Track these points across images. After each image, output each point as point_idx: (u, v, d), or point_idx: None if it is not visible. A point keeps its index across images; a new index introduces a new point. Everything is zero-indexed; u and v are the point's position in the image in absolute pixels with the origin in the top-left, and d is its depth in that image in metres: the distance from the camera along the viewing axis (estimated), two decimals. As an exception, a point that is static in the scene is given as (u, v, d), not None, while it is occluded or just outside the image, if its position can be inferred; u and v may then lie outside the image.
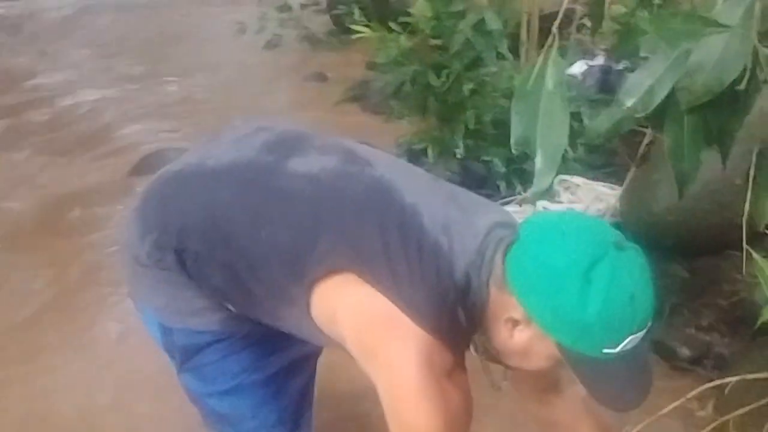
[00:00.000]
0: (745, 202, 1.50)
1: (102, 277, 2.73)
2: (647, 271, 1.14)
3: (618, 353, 1.12)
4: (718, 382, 1.48)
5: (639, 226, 2.25)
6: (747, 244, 2.09)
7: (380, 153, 1.43)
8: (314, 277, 1.23)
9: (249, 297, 1.34)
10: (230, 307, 1.38)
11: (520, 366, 1.27)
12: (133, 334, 2.32)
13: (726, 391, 1.53)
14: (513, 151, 1.16)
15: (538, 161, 1.13)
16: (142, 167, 3.43)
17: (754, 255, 1.31)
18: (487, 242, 1.20)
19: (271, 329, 1.39)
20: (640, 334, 1.13)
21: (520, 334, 1.18)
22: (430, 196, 1.28)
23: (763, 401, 1.43)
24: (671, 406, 1.44)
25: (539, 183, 1.14)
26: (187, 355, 1.42)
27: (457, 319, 1.20)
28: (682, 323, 2.17)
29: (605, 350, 1.11)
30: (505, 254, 1.18)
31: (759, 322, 1.49)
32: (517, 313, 1.16)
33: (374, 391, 1.22)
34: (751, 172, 1.31)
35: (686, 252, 2.23)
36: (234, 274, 1.32)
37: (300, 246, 1.25)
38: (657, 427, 1.74)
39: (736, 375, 1.77)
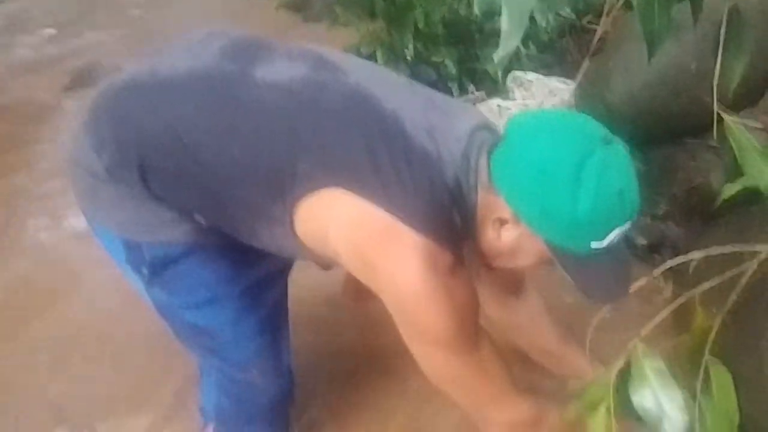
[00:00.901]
0: (707, 77, 1.47)
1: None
2: (632, 164, 1.14)
3: (605, 247, 1.12)
4: (681, 259, 1.47)
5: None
6: (700, 130, 2.09)
7: (350, 57, 1.35)
8: (297, 196, 1.17)
9: (225, 216, 1.27)
10: (202, 220, 1.30)
11: (506, 265, 1.27)
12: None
13: (690, 270, 1.53)
14: (476, 11, 1.08)
15: (504, 22, 1.06)
16: (77, 81, 3.30)
17: (726, 118, 1.28)
18: (471, 146, 1.18)
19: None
20: (627, 226, 1.14)
21: (508, 233, 1.18)
22: (408, 101, 1.23)
23: (725, 276, 1.42)
24: (635, 287, 1.42)
25: (505, 45, 1.07)
26: (156, 269, 1.34)
27: (453, 222, 1.18)
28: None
29: (593, 245, 1.12)
30: (489, 156, 1.16)
31: (722, 196, 1.47)
32: (505, 213, 1.15)
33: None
34: (722, 32, 1.27)
35: (641, 142, 2.20)
36: (207, 193, 1.25)
37: (279, 164, 1.18)
38: (621, 313, 1.75)
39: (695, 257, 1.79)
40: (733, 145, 1.27)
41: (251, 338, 1.43)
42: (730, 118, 1.28)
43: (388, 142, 1.16)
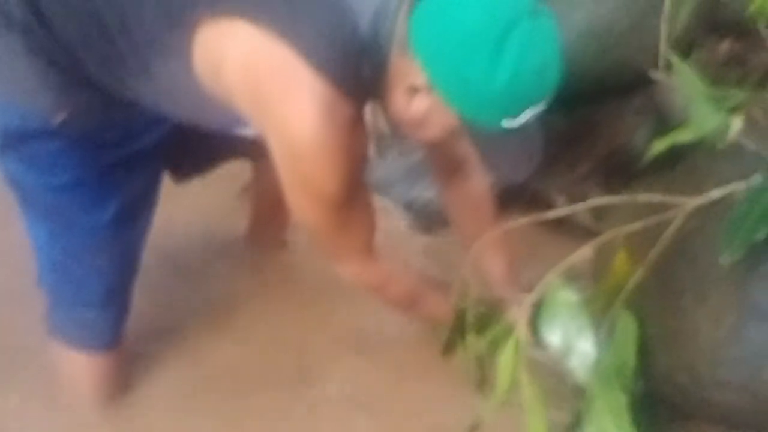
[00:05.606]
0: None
1: None
2: (558, 40, 1.08)
3: (516, 124, 1.11)
4: (610, 199, 1.42)
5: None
6: (625, 90, 2.06)
7: None
8: (195, 22, 1.09)
9: (112, 52, 1.17)
10: (87, 70, 1.19)
11: (411, 135, 1.22)
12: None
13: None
14: None
15: None
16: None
17: (674, 60, 1.23)
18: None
19: (112, 119, 1.24)
20: (541, 105, 1.12)
21: (420, 103, 1.10)
22: None
23: (650, 222, 1.37)
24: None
25: None
26: (9, 140, 1.24)
27: (360, 72, 1.10)
28: (559, 173, 2.13)
29: (505, 122, 1.09)
30: (409, 13, 1.07)
31: (652, 151, 1.42)
32: (419, 80, 1.07)
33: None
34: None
35: (566, 100, 2.14)
36: (96, 24, 1.15)
37: None
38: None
39: (613, 221, 1.75)
40: (682, 86, 1.23)
41: (105, 227, 1.35)
42: (677, 60, 1.23)
43: None
